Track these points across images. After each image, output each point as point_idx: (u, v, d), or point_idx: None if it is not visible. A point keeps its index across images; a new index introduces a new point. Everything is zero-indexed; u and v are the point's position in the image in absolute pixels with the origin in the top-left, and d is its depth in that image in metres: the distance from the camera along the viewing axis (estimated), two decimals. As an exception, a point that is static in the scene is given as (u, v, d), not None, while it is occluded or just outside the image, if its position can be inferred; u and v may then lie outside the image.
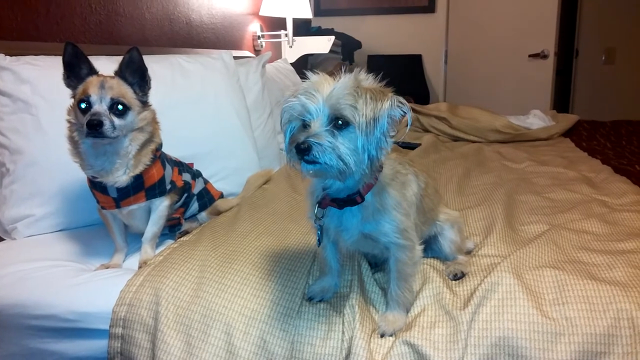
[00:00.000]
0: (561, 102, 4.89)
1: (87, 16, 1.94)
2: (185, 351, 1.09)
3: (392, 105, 0.89)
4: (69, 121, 1.26)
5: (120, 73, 1.24)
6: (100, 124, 1.15)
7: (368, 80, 0.94)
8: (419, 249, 1.09)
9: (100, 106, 1.19)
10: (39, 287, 1.21)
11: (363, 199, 0.98)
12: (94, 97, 1.18)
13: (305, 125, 0.92)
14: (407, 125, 1.06)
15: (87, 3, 1.93)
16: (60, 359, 1.20)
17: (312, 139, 0.86)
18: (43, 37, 1.73)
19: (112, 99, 1.19)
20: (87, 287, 1.21)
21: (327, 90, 0.90)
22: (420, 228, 1.15)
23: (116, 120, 1.20)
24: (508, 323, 1.00)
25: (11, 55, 1.51)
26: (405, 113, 0.92)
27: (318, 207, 1.03)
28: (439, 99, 4.67)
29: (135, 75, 1.26)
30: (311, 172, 0.90)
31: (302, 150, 0.86)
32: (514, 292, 1.05)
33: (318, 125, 0.89)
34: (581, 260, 1.18)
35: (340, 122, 0.88)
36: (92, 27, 1.97)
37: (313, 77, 0.94)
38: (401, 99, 0.91)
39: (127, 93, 1.23)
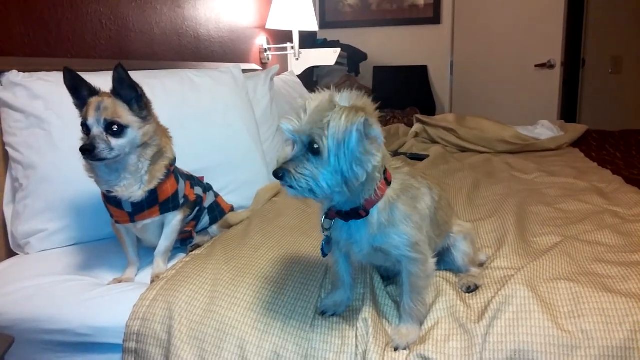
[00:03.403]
0: (568, 112, 4.88)
1: (97, 32, 1.96)
2: (198, 366, 1.08)
3: (361, 125, 0.88)
4: (82, 139, 1.27)
5: (114, 91, 1.24)
6: (92, 149, 1.16)
7: (350, 99, 0.93)
8: (431, 262, 1.08)
9: (96, 129, 1.19)
10: (52, 302, 1.21)
11: (367, 213, 0.99)
12: (90, 121, 1.19)
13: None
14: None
15: (98, 19, 1.96)
16: (74, 373, 1.20)
17: (285, 167, 0.90)
18: (54, 53, 1.75)
19: (106, 120, 1.19)
20: (101, 302, 1.21)
21: (308, 113, 0.91)
22: (435, 241, 1.14)
23: (113, 141, 1.20)
24: (523, 336, 0.99)
25: (24, 72, 1.53)
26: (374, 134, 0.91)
27: (325, 218, 1.04)
28: (444, 110, 4.68)
29: (130, 91, 1.25)
30: (292, 195, 0.93)
31: (278, 177, 0.91)
32: (528, 304, 1.04)
33: (296, 150, 0.91)
34: (596, 272, 1.17)
35: (315, 145, 0.89)
36: (102, 42, 1.99)
37: (307, 97, 0.95)
38: (371, 119, 0.90)
39: (122, 111, 1.22)
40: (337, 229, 1.04)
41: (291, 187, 0.91)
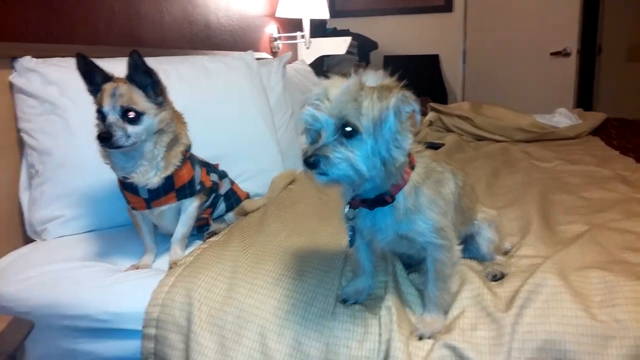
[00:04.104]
0: (583, 100, 4.80)
1: (109, 18, 1.94)
2: (219, 352, 1.07)
3: (398, 101, 0.85)
4: (97, 125, 1.25)
5: (130, 77, 1.22)
6: (110, 136, 1.14)
7: (377, 78, 0.90)
8: (457, 248, 1.05)
9: (112, 116, 1.17)
10: (70, 288, 1.20)
11: (393, 199, 0.96)
12: (106, 108, 1.17)
13: (319, 134, 0.89)
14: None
15: (110, 6, 1.94)
16: (94, 359, 1.19)
17: (318, 153, 0.85)
18: (67, 39, 1.74)
19: (122, 106, 1.18)
20: (119, 288, 1.20)
21: (333, 97, 0.87)
22: (458, 228, 1.11)
23: (130, 128, 1.18)
24: (555, 326, 0.96)
25: (38, 58, 1.51)
26: (413, 108, 0.88)
27: (349, 207, 1.01)
28: (457, 99, 4.62)
29: (145, 77, 1.22)
30: (323, 183, 0.89)
31: (310, 165, 0.86)
32: (559, 294, 1.01)
33: (326, 135, 0.87)
34: (628, 260, 1.14)
35: (348, 128, 0.86)
36: (114, 29, 1.97)
37: (323, 83, 0.92)
38: (407, 92, 0.87)
39: (138, 98, 1.20)
40: (360, 217, 1.01)
41: (324, 174, 0.86)
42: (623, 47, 4.79)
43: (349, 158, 0.85)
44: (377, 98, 0.84)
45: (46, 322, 1.17)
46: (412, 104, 0.87)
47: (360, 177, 0.86)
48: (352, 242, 1.06)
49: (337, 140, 0.86)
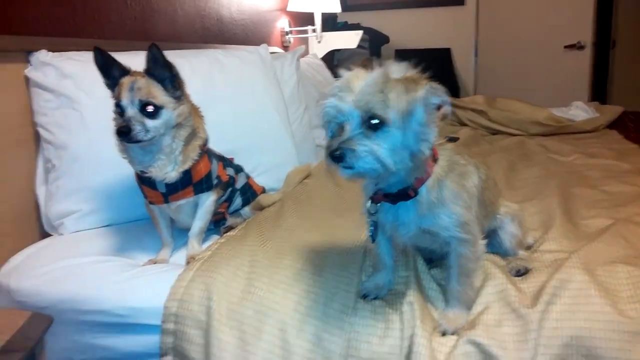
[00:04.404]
0: (597, 94, 4.74)
1: (122, 12, 1.93)
2: (239, 347, 1.06)
3: (427, 93, 0.83)
4: (115, 119, 1.24)
5: (148, 71, 1.21)
6: (128, 130, 1.13)
7: (401, 70, 0.88)
8: (481, 243, 1.04)
9: (131, 109, 1.16)
10: (89, 282, 1.20)
11: (416, 193, 0.94)
12: (124, 102, 1.16)
13: (342, 127, 0.87)
14: (446, 117, 0.98)
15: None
16: (112, 354, 1.19)
17: (344, 146, 0.83)
18: (81, 33, 1.73)
19: (140, 100, 1.16)
20: (137, 283, 1.19)
21: (357, 89, 0.85)
22: (481, 222, 1.09)
23: (149, 122, 1.17)
24: (582, 322, 0.94)
25: (53, 51, 1.50)
26: (442, 100, 0.86)
27: (371, 202, 0.99)
28: (469, 93, 4.57)
29: (164, 70, 1.21)
30: (349, 176, 0.86)
31: (335, 158, 0.83)
32: (586, 289, 0.99)
33: (351, 127, 0.84)
34: (656, 255, 1.11)
35: (374, 121, 0.83)
36: (127, 23, 1.96)
37: (345, 75, 0.89)
38: (435, 84, 0.85)
39: (157, 92, 1.19)
40: (382, 212, 0.99)
41: (350, 167, 0.84)
42: (637, 40, 4.72)
43: (375, 151, 0.83)
44: (404, 90, 0.82)
45: (64, 317, 1.17)
46: (441, 95, 0.85)
47: (387, 171, 0.84)
48: (373, 238, 1.04)
49: (362, 133, 0.84)
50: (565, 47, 4.13)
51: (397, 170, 0.85)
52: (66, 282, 1.21)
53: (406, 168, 0.86)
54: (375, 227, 1.02)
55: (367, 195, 1.00)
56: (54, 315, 1.04)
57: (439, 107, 0.86)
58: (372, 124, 0.83)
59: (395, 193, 0.94)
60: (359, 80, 0.86)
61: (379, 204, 0.98)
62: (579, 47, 4.08)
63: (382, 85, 0.84)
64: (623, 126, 2.82)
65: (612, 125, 2.86)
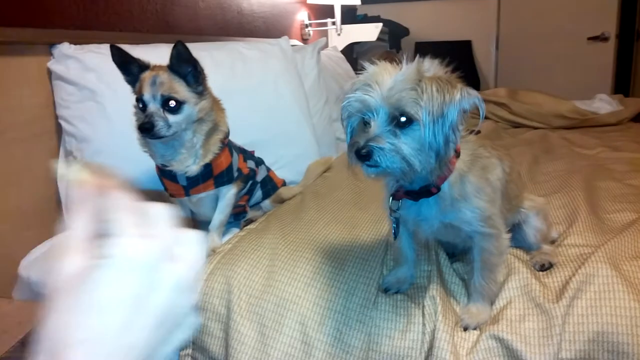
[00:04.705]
0: (620, 86, 4.62)
1: (144, 5, 1.94)
2: (259, 341, 1.06)
3: (462, 97, 0.80)
4: (135, 114, 1.24)
5: (170, 66, 1.20)
6: (151, 127, 1.13)
7: (432, 68, 0.85)
8: (505, 237, 1.02)
9: (153, 105, 1.16)
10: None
11: (438, 190, 0.92)
12: (146, 96, 1.16)
13: (365, 122, 0.85)
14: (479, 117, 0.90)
15: (144, -8, 1.94)
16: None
17: (372, 144, 0.80)
18: (103, 26, 1.74)
19: (162, 95, 1.16)
20: (159, 275, 1.20)
21: (386, 84, 0.82)
22: (505, 216, 1.07)
23: (170, 118, 1.16)
24: (607, 317, 0.93)
25: (75, 44, 1.51)
26: (477, 104, 0.83)
27: (392, 199, 0.97)
28: (489, 86, 4.51)
29: (187, 66, 1.20)
30: (373, 175, 0.84)
31: (362, 156, 0.81)
32: (612, 284, 0.97)
33: (378, 124, 0.82)
34: (684, 250, 1.08)
35: (402, 118, 0.81)
36: (149, 15, 1.96)
37: (371, 68, 0.86)
38: (471, 89, 0.82)
39: (179, 87, 1.18)
40: (404, 208, 0.98)
41: (375, 165, 0.81)
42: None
43: (402, 150, 0.80)
44: (436, 91, 0.79)
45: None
46: (474, 99, 0.82)
47: (412, 171, 0.82)
48: (396, 234, 1.02)
49: (390, 131, 0.81)
50: (589, 38, 4.05)
51: (420, 171, 0.83)
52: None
53: (430, 168, 0.84)
54: (397, 224, 1.01)
55: (389, 192, 0.98)
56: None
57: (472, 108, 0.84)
58: (400, 122, 0.81)
59: (417, 190, 0.93)
60: (388, 75, 0.83)
61: (400, 201, 0.97)
62: (602, 38, 3.99)
63: (415, 82, 0.81)
64: (648, 119, 2.75)
65: (637, 118, 2.79)
